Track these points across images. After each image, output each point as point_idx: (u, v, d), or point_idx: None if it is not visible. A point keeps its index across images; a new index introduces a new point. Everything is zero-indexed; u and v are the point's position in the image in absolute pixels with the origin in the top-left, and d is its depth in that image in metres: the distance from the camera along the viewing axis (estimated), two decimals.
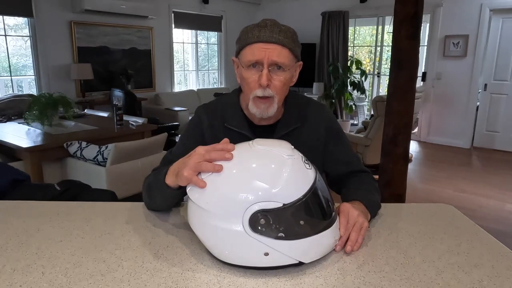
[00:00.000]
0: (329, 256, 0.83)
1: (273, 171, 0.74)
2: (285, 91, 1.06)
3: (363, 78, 6.15)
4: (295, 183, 0.75)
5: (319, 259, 0.81)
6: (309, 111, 1.16)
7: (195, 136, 1.14)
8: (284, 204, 0.72)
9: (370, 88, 7.32)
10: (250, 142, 0.82)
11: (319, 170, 1.14)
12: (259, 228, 0.72)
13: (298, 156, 0.79)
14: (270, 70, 0.99)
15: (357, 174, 1.16)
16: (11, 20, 4.88)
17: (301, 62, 1.08)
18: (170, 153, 1.16)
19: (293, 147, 0.82)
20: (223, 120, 1.12)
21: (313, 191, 0.76)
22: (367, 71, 6.84)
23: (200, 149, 0.81)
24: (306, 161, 0.80)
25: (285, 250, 0.74)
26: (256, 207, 0.72)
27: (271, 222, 0.72)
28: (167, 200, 0.98)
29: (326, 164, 1.18)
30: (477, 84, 5.68)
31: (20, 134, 3.20)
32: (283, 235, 0.73)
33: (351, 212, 0.89)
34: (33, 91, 5.04)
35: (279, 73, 1.00)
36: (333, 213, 0.82)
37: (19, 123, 3.64)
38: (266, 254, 0.73)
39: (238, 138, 1.04)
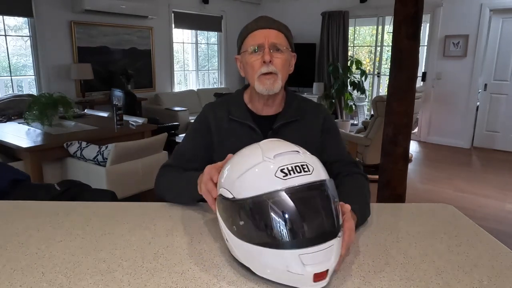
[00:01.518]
0: None
1: (244, 166, 0.76)
2: (285, 72, 1.15)
3: (363, 78, 6.15)
4: (253, 184, 0.73)
5: None
6: (307, 107, 1.24)
7: (201, 131, 1.23)
8: (233, 197, 0.74)
9: (370, 88, 7.32)
10: (262, 141, 0.83)
11: None
12: (221, 211, 0.79)
13: (277, 164, 0.73)
14: (271, 51, 1.10)
15: (347, 169, 1.16)
16: (11, 20, 4.88)
17: (295, 54, 1.20)
18: (179, 148, 1.26)
19: (289, 145, 0.79)
20: (228, 113, 1.21)
21: (261, 200, 0.70)
22: (367, 71, 6.83)
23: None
24: (289, 171, 0.72)
25: (234, 244, 0.76)
26: (220, 191, 0.80)
27: (223, 208, 0.78)
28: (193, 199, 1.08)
29: (318, 152, 1.18)
30: (477, 84, 5.68)
31: (20, 134, 3.20)
32: (230, 227, 0.75)
33: (353, 233, 0.82)
34: (33, 91, 5.03)
35: (278, 53, 1.12)
36: (289, 239, 0.69)
37: (19, 123, 3.64)
38: (226, 240, 0.79)
39: (242, 127, 1.19)
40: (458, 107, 5.82)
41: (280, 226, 0.69)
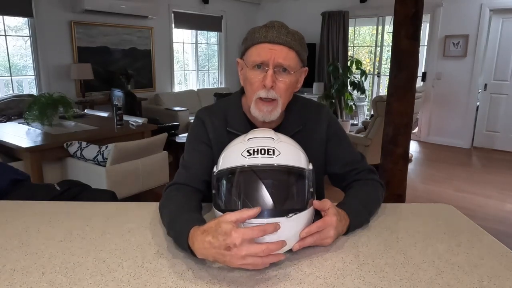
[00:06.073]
0: (329, 257, 0.83)
1: (229, 144, 0.90)
2: (289, 95, 1.03)
3: (363, 78, 6.15)
4: (225, 159, 0.85)
5: (319, 259, 0.82)
6: (309, 113, 1.14)
7: (202, 139, 1.09)
8: (215, 170, 0.87)
9: (370, 88, 7.32)
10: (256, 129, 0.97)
11: (320, 172, 1.13)
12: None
13: (247, 145, 0.84)
14: (275, 71, 0.97)
15: (361, 176, 1.12)
16: (11, 20, 4.88)
17: (306, 68, 1.06)
18: (183, 161, 1.10)
19: (268, 133, 0.87)
20: (225, 123, 1.09)
21: (226, 172, 0.83)
22: (367, 71, 6.83)
23: (234, 239, 0.71)
24: (254, 152, 0.81)
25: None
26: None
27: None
28: None
29: (328, 164, 1.15)
30: (477, 84, 5.68)
31: (20, 134, 3.20)
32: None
33: (328, 230, 0.85)
34: (33, 91, 5.03)
35: (284, 75, 0.98)
36: (238, 207, 0.79)
37: (19, 123, 3.64)
38: None
39: None
40: (458, 107, 5.82)
41: (234, 195, 0.82)
